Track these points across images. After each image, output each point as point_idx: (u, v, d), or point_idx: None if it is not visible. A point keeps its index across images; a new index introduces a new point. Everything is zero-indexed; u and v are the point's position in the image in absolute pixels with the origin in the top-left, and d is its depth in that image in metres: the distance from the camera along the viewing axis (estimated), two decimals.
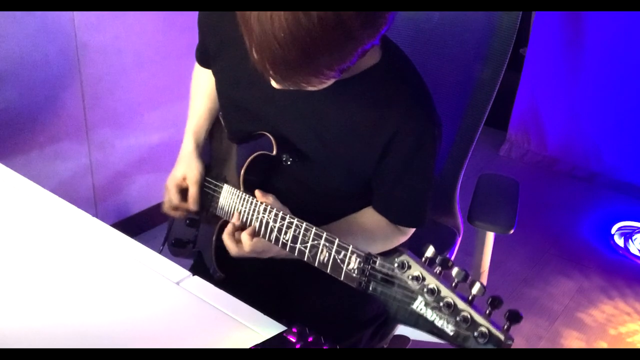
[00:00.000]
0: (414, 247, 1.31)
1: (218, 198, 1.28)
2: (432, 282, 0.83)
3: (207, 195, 1.32)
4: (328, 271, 1.00)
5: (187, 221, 1.37)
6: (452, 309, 0.81)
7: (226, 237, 1.15)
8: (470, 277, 0.81)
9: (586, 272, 2.62)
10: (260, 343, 0.99)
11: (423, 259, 0.86)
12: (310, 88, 1.00)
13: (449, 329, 0.81)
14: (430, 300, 0.83)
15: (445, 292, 0.82)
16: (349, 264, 0.96)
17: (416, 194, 1.21)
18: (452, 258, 1.65)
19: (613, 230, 2.86)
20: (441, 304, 0.82)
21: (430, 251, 0.86)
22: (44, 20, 1.95)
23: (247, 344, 0.99)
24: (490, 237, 1.52)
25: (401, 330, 1.44)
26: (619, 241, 2.80)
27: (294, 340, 0.99)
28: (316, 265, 1.02)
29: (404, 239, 1.27)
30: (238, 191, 1.20)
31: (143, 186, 2.49)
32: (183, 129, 1.40)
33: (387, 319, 1.38)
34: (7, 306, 1.03)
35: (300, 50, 0.89)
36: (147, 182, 2.49)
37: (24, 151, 2.06)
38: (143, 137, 2.41)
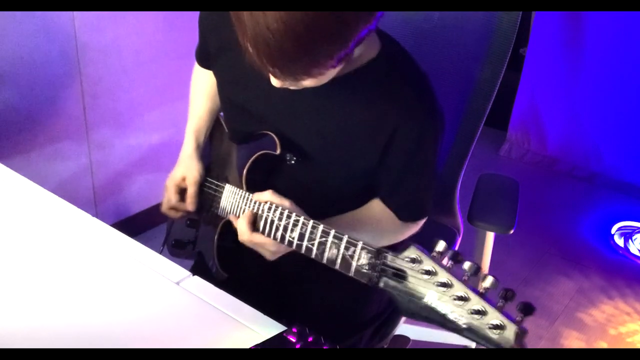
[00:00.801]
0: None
1: (220, 198, 1.28)
2: (444, 275, 0.84)
3: (208, 196, 1.32)
4: (337, 267, 0.99)
5: (187, 222, 1.37)
6: (465, 302, 0.82)
7: (241, 221, 1.12)
8: (481, 271, 0.82)
9: (586, 272, 2.62)
10: (260, 343, 0.99)
11: (433, 253, 0.87)
12: (309, 83, 0.99)
13: (462, 322, 0.82)
14: (442, 294, 0.84)
15: (457, 285, 0.83)
16: (359, 259, 0.96)
17: (421, 187, 1.21)
18: None
19: (613, 230, 2.86)
20: (454, 297, 0.83)
21: (441, 246, 0.86)
22: (44, 20, 1.95)
23: (247, 344, 0.99)
24: (490, 237, 1.52)
25: (401, 330, 1.44)
26: (619, 241, 2.80)
27: (294, 340, 0.99)
28: (324, 262, 1.01)
29: (415, 228, 1.27)
30: (241, 191, 1.20)
31: (143, 186, 2.49)
32: (183, 129, 1.40)
33: (387, 319, 1.38)
34: (7, 306, 1.03)
35: (295, 39, 0.89)
36: (147, 182, 2.49)
37: (24, 151, 2.06)
38: (143, 137, 2.41)
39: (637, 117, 3.02)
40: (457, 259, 0.85)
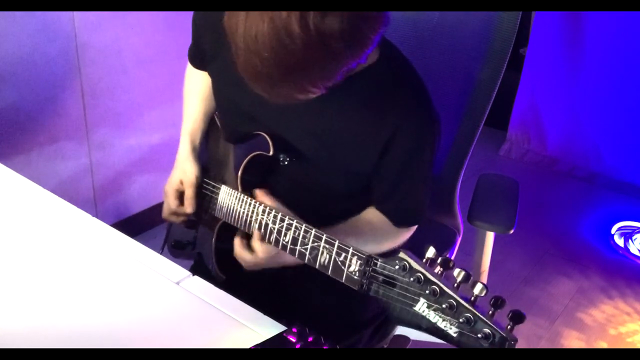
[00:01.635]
0: (414, 247, 1.31)
1: (216, 199, 1.28)
2: (433, 283, 0.83)
3: (205, 197, 1.32)
4: (329, 273, 1.00)
5: (186, 223, 1.37)
6: (454, 310, 0.81)
7: (239, 250, 1.15)
8: (472, 278, 0.81)
9: (586, 272, 2.62)
10: (260, 343, 0.99)
11: (424, 259, 0.86)
12: (296, 100, 1.00)
13: (452, 331, 0.81)
14: (433, 302, 0.83)
15: (447, 293, 0.82)
16: (349, 266, 0.96)
17: (416, 192, 1.21)
18: (452, 258, 1.65)
19: (613, 230, 2.86)
20: (444, 305, 0.82)
21: (431, 252, 0.86)
22: (44, 20, 1.95)
23: (247, 344, 0.99)
24: (490, 237, 1.52)
25: (401, 330, 1.44)
26: (619, 241, 2.80)
27: (294, 340, 0.99)
28: (317, 267, 1.02)
29: (408, 234, 1.27)
30: (236, 192, 1.20)
31: (143, 186, 2.49)
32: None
33: (387, 319, 1.38)
34: (7, 306, 1.03)
35: (284, 69, 0.91)
36: (147, 182, 2.49)
37: (24, 151, 2.06)
38: (143, 137, 2.41)
39: (637, 117, 3.02)
40: (448, 265, 0.83)
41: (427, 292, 0.83)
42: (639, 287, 2.55)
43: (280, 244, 1.07)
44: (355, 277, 0.95)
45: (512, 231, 1.42)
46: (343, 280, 0.97)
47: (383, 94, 1.13)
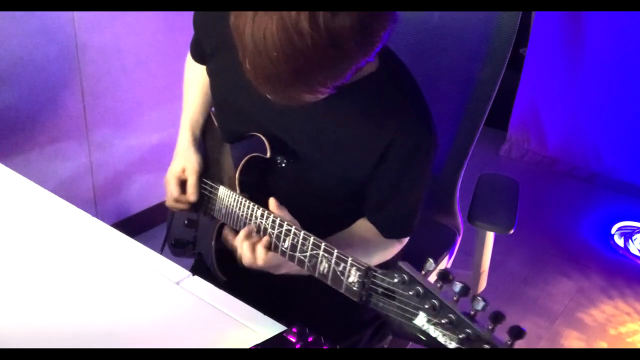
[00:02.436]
0: (414, 248, 1.31)
1: (215, 200, 1.27)
2: (432, 297, 0.82)
3: (204, 197, 1.32)
4: (329, 283, 0.99)
5: (186, 222, 1.37)
6: (454, 326, 0.79)
7: (241, 243, 1.11)
8: (471, 292, 0.80)
9: (586, 272, 2.62)
10: (260, 343, 0.99)
11: (423, 272, 0.85)
12: (304, 102, 0.99)
13: (452, 346, 0.79)
14: (432, 316, 0.81)
15: (446, 307, 0.80)
16: (349, 276, 0.95)
17: (408, 205, 1.21)
18: (452, 258, 1.65)
19: (613, 230, 2.86)
20: (443, 320, 0.80)
21: (430, 265, 0.85)
22: (44, 20, 1.95)
23: (247, 344, 0.99)
24: (490, 237, 1.52)
25: None
26: (619, 241, 2.80)
27: (294, 340, 0.99)
28: (316, 276, 1.01)
29: (400, 246, 1.27)
30: (234, 194, 1.20)
31: (143, 186, 2.49)
32: None
33: (387, 327, 1.38)
34: (7, 306, 1.03)
35: (293, 69, 0.90)
36: (147, 182, 2.49)
37: (24, 151, 2.06)
38: (143, 137, 2.41)
39: (637, 117, 3.02)
40: (447, 278, 0.82)
41: (427, 306, 0.82)
42: (639, 287, 2.55)
43: (280, 249, 1.07)
44: (355, 289, 0.94)
45: (512, 231, 1.42)
46: (342, 291, 0.96)
47: (381, 105, 1.13)
